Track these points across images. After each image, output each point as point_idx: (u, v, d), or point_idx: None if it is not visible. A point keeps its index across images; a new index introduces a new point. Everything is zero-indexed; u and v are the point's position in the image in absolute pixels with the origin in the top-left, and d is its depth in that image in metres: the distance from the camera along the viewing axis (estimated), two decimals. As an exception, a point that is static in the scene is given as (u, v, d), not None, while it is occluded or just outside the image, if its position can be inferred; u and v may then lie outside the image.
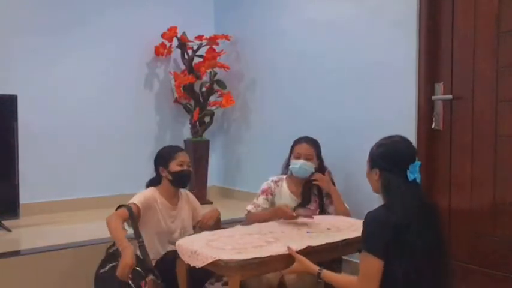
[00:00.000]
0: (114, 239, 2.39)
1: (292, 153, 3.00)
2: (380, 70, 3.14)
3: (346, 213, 2.89)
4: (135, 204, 2.54)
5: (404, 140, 1.94)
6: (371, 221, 1.80)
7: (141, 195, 2.63)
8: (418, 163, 1.85)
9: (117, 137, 4.16)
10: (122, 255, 2.25)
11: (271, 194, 2.97)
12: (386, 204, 1.85)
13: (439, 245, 1.83)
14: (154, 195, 2.67)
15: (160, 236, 2.63)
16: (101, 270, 2.44)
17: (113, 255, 2.43)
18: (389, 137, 1.95)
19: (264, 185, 3.01)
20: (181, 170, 2.69)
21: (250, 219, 2.86)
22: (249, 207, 2.94)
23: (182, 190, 2.83)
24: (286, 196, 2.97)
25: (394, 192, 1.82)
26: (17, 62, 3.72)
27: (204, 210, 2.90)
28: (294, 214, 2.60)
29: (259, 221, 2.71)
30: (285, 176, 3.05)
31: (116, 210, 2.49)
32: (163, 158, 2.75)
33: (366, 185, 2.01)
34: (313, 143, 3.01)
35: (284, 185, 3.01)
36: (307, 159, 2.94)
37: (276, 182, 3.01)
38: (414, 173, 1.83)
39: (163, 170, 2.70)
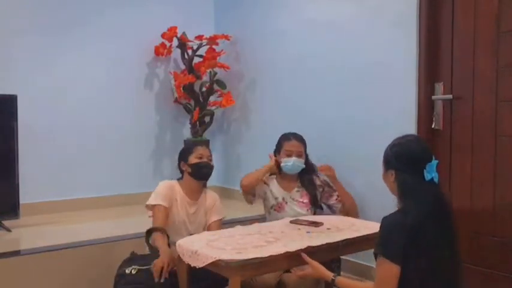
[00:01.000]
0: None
1: (281, 149, 3.01)
2: (380, 70, 3.14)
3: (354, 204, 2.90)
4: (160, 205, 2.58)
5: (418, 139, 1.91)
6: (387, 226, 1.75)
7: (158, 190, 2.66)
8: (435, 162, 1.79)
9: (117, 137, 4.16)
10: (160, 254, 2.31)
11: (264, 183, 3.04)
12: (402, 206, 1.80)
13: (452, 245, 1.80)
14: (174, 186, 2.71)
15: (174, 230, 2.60)
16: (127, 271, 2.41)
17: (141, 257, 2.46)
18: (403, 137, 1.90)
19: None
20: (199, 161, 2.73)
21: (245, 179, 2.99)
22: None
23: (209, 191, 2.85)
24: (278, 192, 3.01)
25: (410, 193, 1.77)
26: (17, 62, 3.71)
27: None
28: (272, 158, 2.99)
29: (258, 177, 2.95)
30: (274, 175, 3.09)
31: (150, 233, 2.47)
32: (183, 153, 2.83)
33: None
34: (301, 139, 3.03)
35: (274, 181, 3.05)
36: (298, 155, 2.96)
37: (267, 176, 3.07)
38: (431, 172, 1.77)
39: (184, 164, 2.76)
